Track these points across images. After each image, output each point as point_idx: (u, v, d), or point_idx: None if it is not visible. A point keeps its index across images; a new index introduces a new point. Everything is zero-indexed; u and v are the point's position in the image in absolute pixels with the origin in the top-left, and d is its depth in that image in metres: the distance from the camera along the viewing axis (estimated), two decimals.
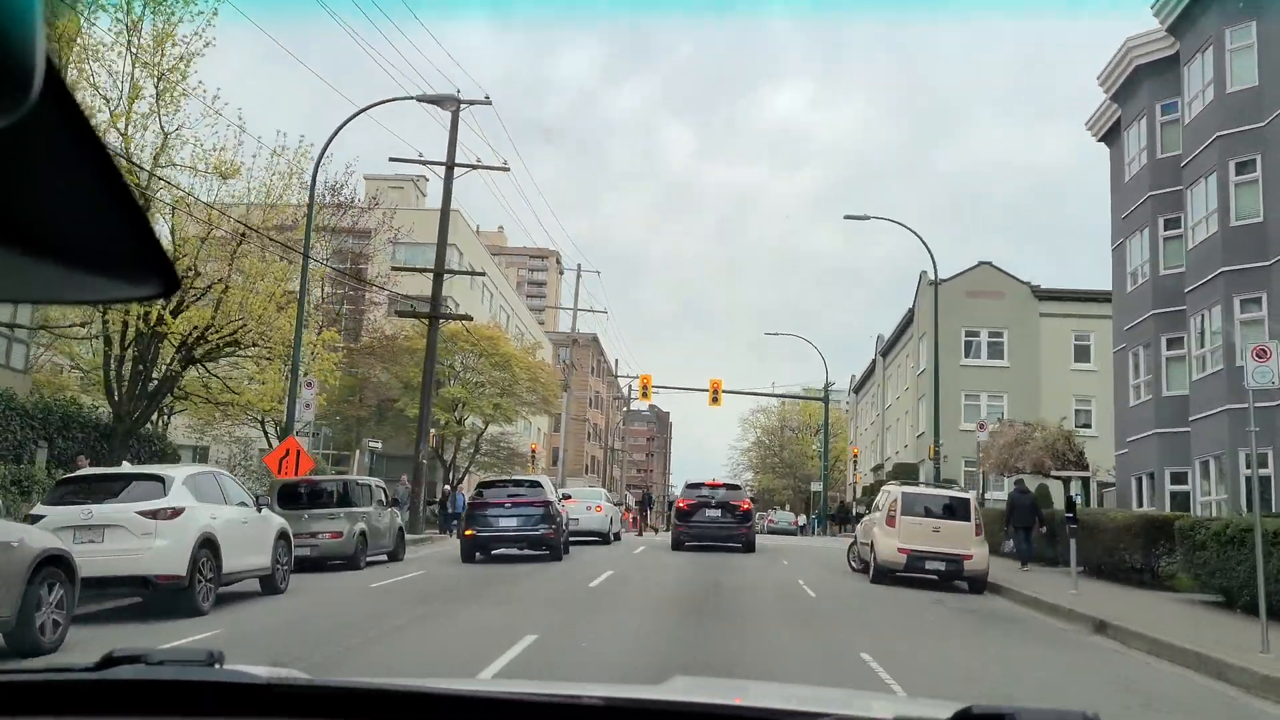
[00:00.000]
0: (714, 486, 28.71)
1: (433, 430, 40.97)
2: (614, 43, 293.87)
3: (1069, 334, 55.09)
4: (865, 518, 22.96)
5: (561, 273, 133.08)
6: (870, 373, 73.03)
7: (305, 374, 26.04)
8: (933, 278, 40.74)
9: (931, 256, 38.02)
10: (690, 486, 28.82)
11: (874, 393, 72.21)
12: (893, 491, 21.30)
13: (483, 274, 35.03)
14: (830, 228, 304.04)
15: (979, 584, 19.74)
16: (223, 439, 38.53)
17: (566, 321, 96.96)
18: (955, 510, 20.46)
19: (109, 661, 1.93)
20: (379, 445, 39.82)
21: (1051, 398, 53.53)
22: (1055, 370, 54.32)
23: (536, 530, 23.17)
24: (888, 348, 66.98)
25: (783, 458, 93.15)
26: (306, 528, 21.05)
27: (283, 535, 17.61)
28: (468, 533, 23.34)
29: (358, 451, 42.17)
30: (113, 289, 1.06)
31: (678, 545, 28.27)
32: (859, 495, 58.61)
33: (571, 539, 28.35)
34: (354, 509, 22.20)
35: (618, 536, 32.96)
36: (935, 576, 20.07)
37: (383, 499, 24.05)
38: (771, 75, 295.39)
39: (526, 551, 23.85)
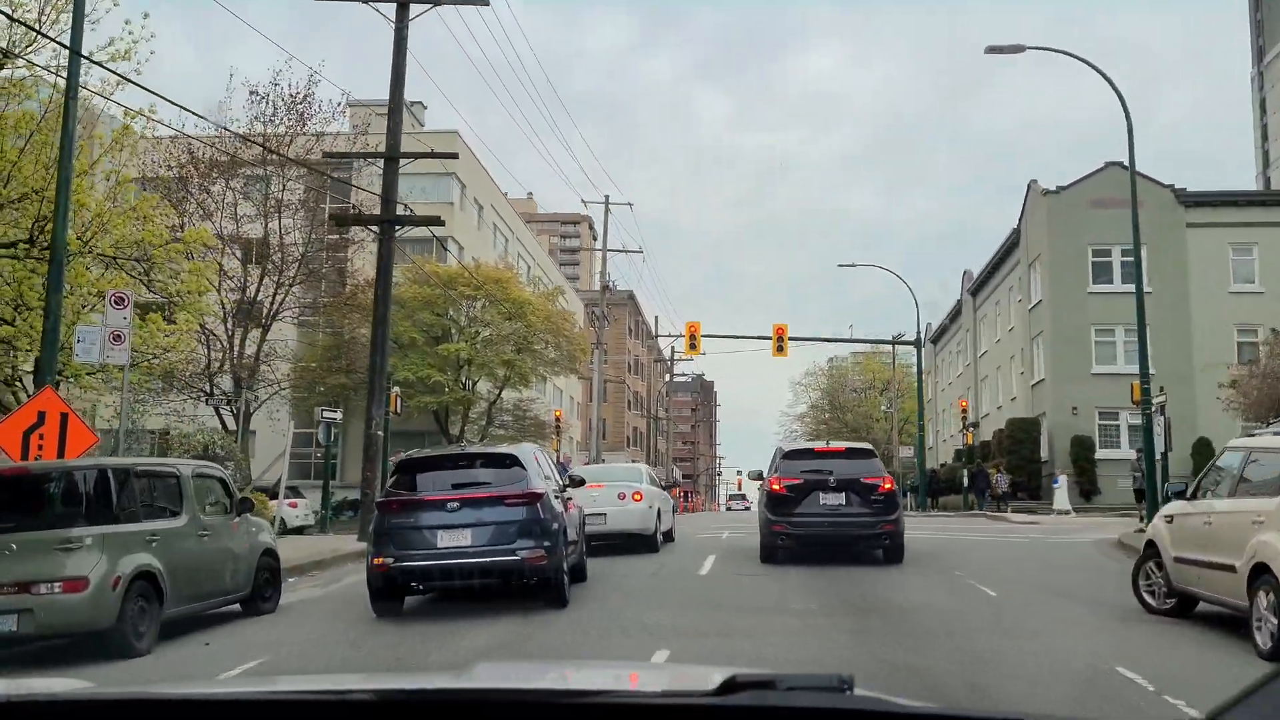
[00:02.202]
0: (830, 454, 16.58)
1: (394, 390, 29.08)
2: (644, 9, 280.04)
3: (1225, 248, 42.36)
4: (1189, 506, 10.71)
5: (594, 242, 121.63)
6: (954, 317, 60.32)
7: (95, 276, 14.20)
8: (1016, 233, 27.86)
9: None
10: (791, 456, 16.65)
11: (960, 340, 59.57)
12: None
13: (454, 155, 23.05)
14: (864, 189, 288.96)
15: None
16: None
17: (599, 282, 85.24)
18: None
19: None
20: (337, 416, 28.05)
21: (1206, 328, 40.94)
22: (1209, 294, 41.60)
23: (509, 552, 11.40)
24: (979, 284, 54.32)
25: (845, 421, 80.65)
26: None
27: None
28: (377, 562, 11.46)
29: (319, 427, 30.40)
30: None
31: (771, 555, 16.30)
32: (966, 459, 46.04)
33: (595, 542, 16.60)
34: (123, 527, 10.34)
35: (669, 536, 20.91)
36: None
37: (223, 500, 12.19)
38: (804, 36, 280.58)
39: (489, 584, 11.96)
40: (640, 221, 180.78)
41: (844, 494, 15.90)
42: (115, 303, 14.20)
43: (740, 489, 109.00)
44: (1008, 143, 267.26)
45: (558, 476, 13.85)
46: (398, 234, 23.11)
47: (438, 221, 22.77)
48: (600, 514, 17.66)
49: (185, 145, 35.65)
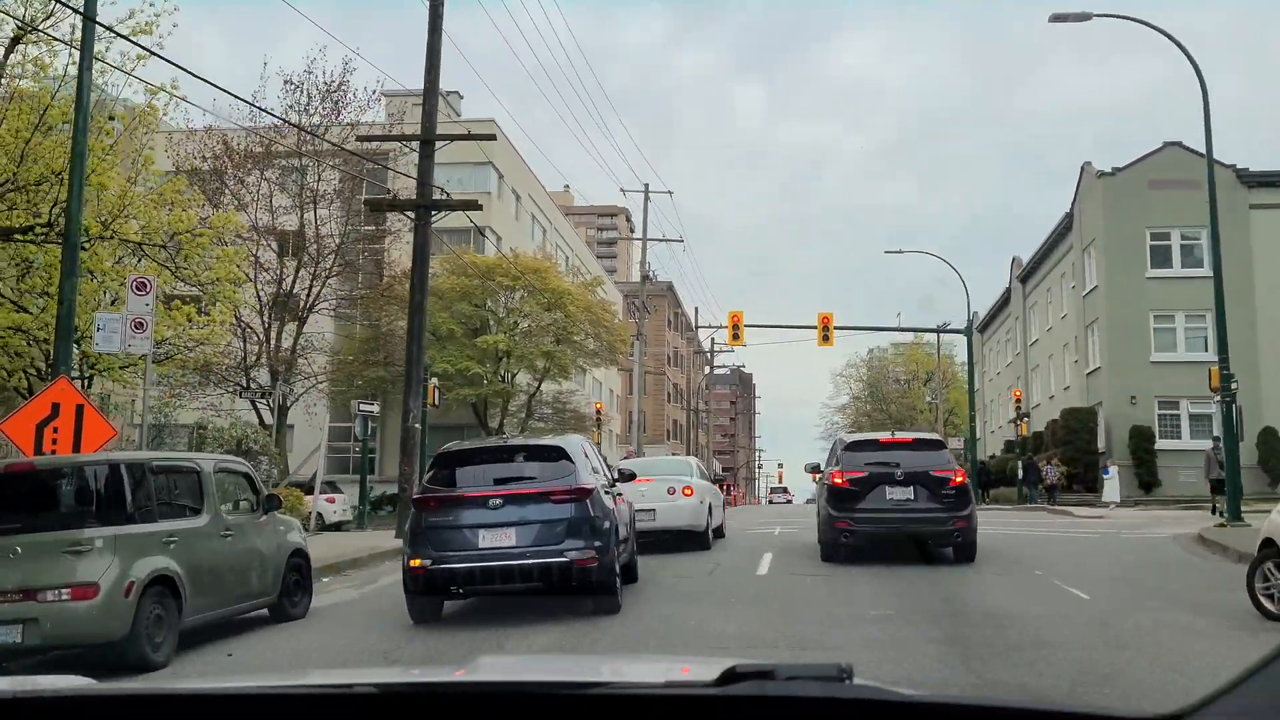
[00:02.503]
0: (896, 445, 15.38)
1: (432, 381, 28.20)
2: (679, 2, 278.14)
3: None
4: None
5: (630, 233, 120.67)
6: (1002, 305, 58.67)
7: (123, 262, 13.32)
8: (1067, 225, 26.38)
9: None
10: (854, 447, 15.42)
11: (1009, 328, 57.93)
12: None
13: (492, 137, 21.80)
14: (902, 180, 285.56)
15: None
16: None
17: (637, 273, 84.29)
18: None
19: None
20: (374, 408, 27.20)
21: (1271, 314, 39.23)
22: (1274, 277, 39.84)
23: (557, 553, 10.41)
24: (1029, 271, 52.68)
25: (889, 413, 79.08)
26: None
27: None
28: (414, 563, 10.48)
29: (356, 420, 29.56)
30: None
31: (833, 553, 15.16)
32: (1021, 450, 44.51)
33: (643, 539, 15.54)
34: (137, 527, 9.44)
35: (720, 532, 19.81)
36: None
37: (249, 497, 11.28)
38: (841, 26, 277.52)
39: (535, 588, 10.95)
40: (678, 214, 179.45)
41: (912, 488, 14.74)
42: (137, 288, 13.33)
43: (781, 482, 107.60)
44: (1048, 131, 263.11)
45: (606, 470, 12.83)
46: (434, 220, 22.19)
47: (475, 206, 21.79)
48: (649, 510, 16.62)
49: (220, 137, 35.08)
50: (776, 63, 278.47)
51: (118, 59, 14.48)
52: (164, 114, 15.50)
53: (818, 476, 17.45)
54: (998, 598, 11.73)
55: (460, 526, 10.51)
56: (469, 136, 23.12)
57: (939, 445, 15.57)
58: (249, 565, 10.88)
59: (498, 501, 10.50)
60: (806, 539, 19.52)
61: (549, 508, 10.55)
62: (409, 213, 22.36)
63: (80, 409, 11.51)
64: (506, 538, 10.44)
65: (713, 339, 75.31)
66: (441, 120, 45.99)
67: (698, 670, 1.91)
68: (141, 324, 13.25)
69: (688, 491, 17.68)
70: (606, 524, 10.94)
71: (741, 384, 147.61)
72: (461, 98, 52.75)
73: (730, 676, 1.63)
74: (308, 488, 24.93)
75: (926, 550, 15.35)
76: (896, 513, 14.69)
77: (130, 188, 15.97)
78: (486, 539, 10.43)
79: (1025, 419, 46.63)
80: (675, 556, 16.50)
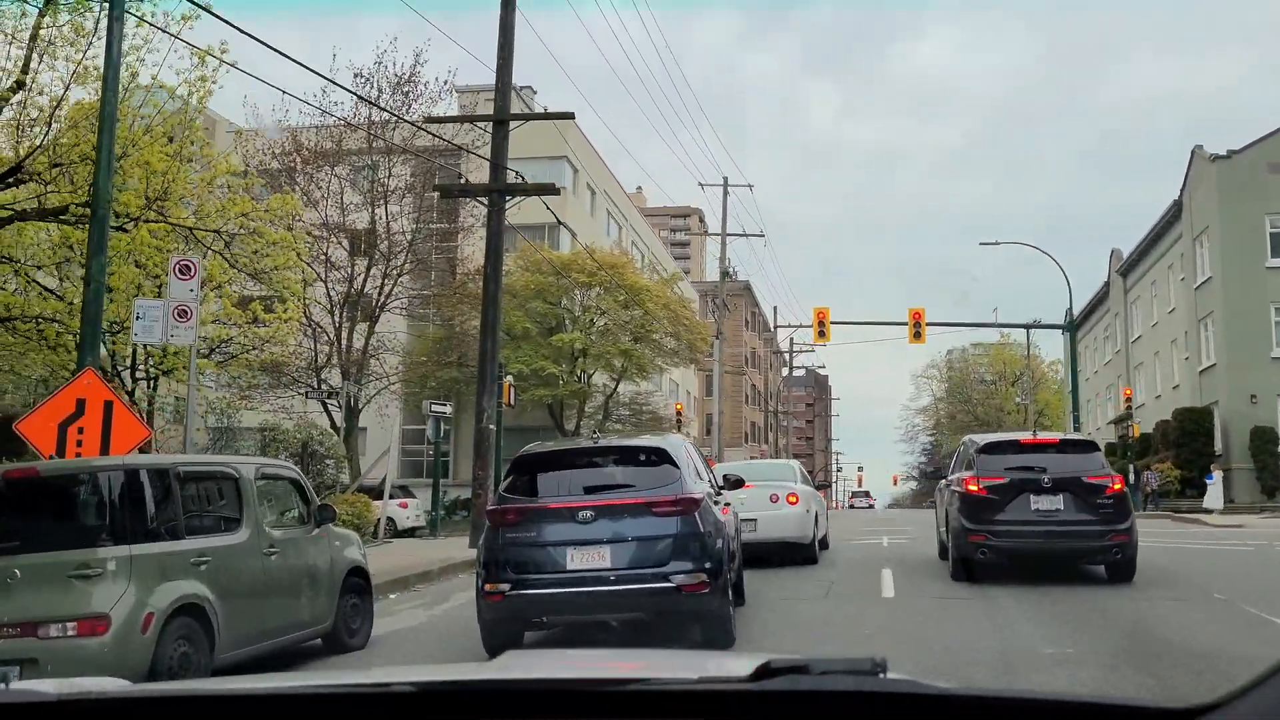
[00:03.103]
0: (1040, 447, 13.23)
1: (508, 379, 26.55)
2: (750, 2, 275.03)
3: None
4: None
5: (705, 232, 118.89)
6: (1099, 300, 55.50)
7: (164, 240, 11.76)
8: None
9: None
10: (991, 450, 13.25)
11: (1107, 325, 54.79)
12: None
13: (570, 115, 20.08)
14: (979, 177, 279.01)
15: None
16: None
17: (712, 273, 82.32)
18: None
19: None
20: (446, 409, 25.66)
21: None
22: None
23: (661, 577, 8.59)
24: (1130, 264, 49.61)
25: (975, 414, 75.99)
26: None
27: None
28: (489, 589, 8.70)
29: (431, 422, 28.05)
30: None
31: (965, 571, 13.07)
32: (1135, 454, 41.49)
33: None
34: (160, 545, 7.81)
35: (824, 544, 17.79)
36: None
37: (298, 507, 9.63)
38: (914, 23, 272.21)
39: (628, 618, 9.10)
40: (757, 208, 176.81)
41: (1061, 496, 12.61)
42: (180, 272, 11.81)
43: (861, 485, 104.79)
44: (1131, 124, 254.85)
45: (710, 475, 10.95)
46: (509, 205, 20.58)
47: (552, 190, 20.14)
48: (750, 519, 14.67)
49: (290, 134, 34.04)
50: (848, 62, 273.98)
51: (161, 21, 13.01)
52: (213, 82, 14.03)
53: (943, 483, 15.39)
54: (1191, 630, 9.61)
55: (544, 544, 8.72)
56: (546, 115, 21.59)
57: (1091, 447, 13.39)
58: (297, 588, 9.22)
59: (589, 514, 8.69)
60: (922, 551, 17.47)
61: (651, 522, 8.71)
62: (481, 201, 20.78)
63: (109, 406, 9.99)
64: (600, 558, 8.62)
65: (791, 339, 73.09)
66: (514, 115, 44.62)
67: (731, 666, 1.94)
68: (185, 312, 11.73)
69: (792, 499, 15.73)
70: (718, 541, 9.08)
71: (817, 386, 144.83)
72: (535, 93, 51.32)
73: (764, 672, 1.59)
74: (377, 493, 23.46)
75: (1071, 566, 13.23)
76: (1043, 525, 12.58)
77: (179, 166, 14.48)
78: (576, 559, 8.63)
79: (1130, 420, 43.69)
80: (780, 572, 14.56)
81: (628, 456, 9.53)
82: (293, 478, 9.69)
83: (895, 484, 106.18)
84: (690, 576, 8.58)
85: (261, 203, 16.43)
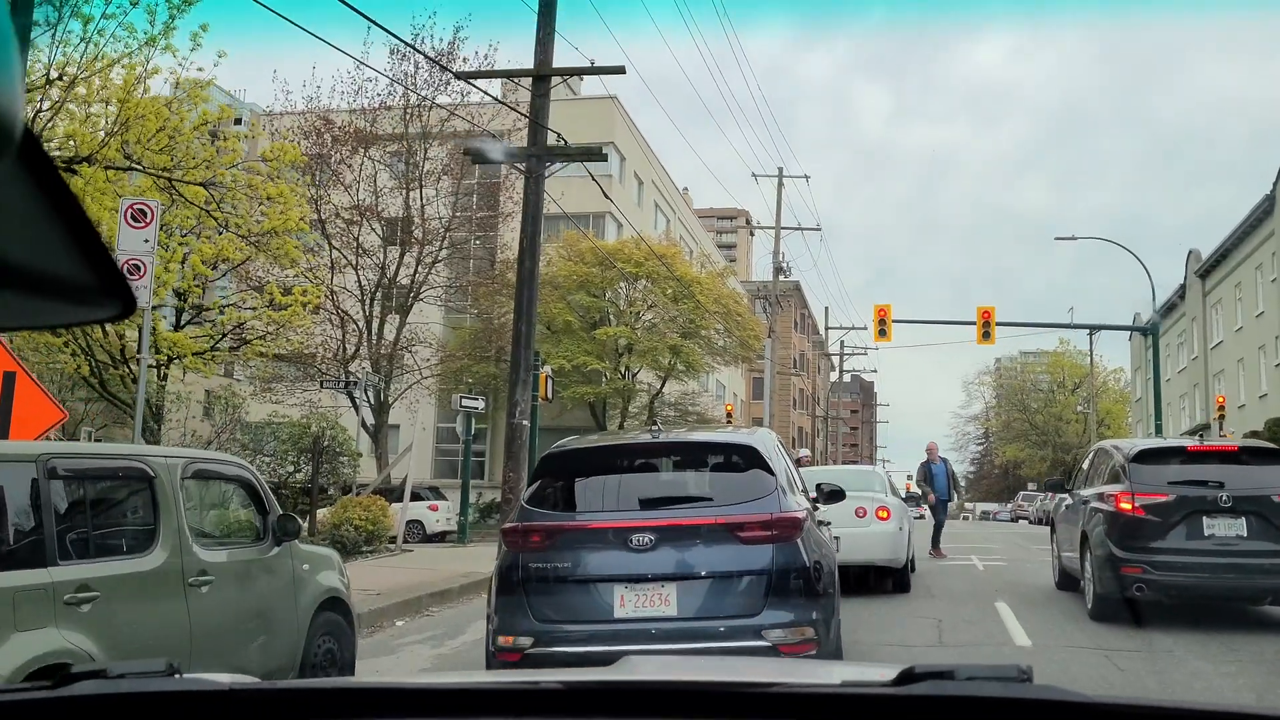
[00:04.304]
0: (1213, 455, 10.33)
1: (545, 369, 23.96)
2: (803, 7, 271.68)
3: None
4: None
5: (752, 234, 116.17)
6: (1174, 305, 51.93)
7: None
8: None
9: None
10: (1148, 458, 10.26)
11: (1182, 330, 51.23)
12: None
13: (620, 70, 17.45)
14: (1033, 184, 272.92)
15: None
16: None
17: (760, 273, 79.46)
18: None
19: (69, 678, 1.76)
20: (478, 404, 23.10)
21: None
22: None
23: (750, 631, 5.88)
24: (1211, 265, 46.13)
25: (1033, 423, 72.40)
26: None
27: None
28: (505, 643, 6.05)
29: (460, 417, 25.49)
30: (74, 313, 1.16)
31: (1111, 610, 10.20)
32: None
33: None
34: (13, 575, 5.18)
35: (912, 566, 14.92)
36: None
37: (248, 519, 7.02)
38: (969, 26, 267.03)
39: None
40: (814, 200, 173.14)
41: (1243, 519, 9.75)
42: (133, 218, 9.30)
43: (909, 493, 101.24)
44: (1190, 133, 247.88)
45: (804, 481, 8.18)
46: (549, 174, 18.00)
47: (598, 155, 17.52)
48: (835, 536, 11.92)
49: (321, 114, 31.84)
50: (901, 66, 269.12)
51: None
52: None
53: (1068, 499, 12.54)
54: None
55: (582, 579, 6.07)
56: (594, 70, 18.79)
57: (1278, 456, 10.48)
58: (242, 632, 6.60)
59: (647, 538, 6.00)
60: (1032, 579, 14.61)
61: (735, 551, 6.02)
62: (519, 167, 18.22)
63: (11, 379, 7.50)
64: (662, 601, 5.95)
65: (842, 341, 70.02)
66: (559, 97, 42.01)
67: (871, 673, 1.88)
68: (139, 267, 9.21)
69: (883, 514, 12.94)
70: (827, 579, 6.39)
71: (863, 392, 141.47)
72: (581, 80, 48.90)
73: (908, 677, 1.56)
74: (397, 495, 20.94)
75: (1233, 608, 10.36)
76: (1221, 557, 9.71)
77: (142, 97, 11.94)
78: (628, 603, 5.96)
79: (1204, 431, 40.33)
80: (869, 605, 11.79)
81: (702, 457, 6.83)
82: (242, 477, 7.05)
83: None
84: (791, 632, 5.89)
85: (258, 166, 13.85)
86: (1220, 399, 38.37)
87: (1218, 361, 45.71)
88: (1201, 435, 15.30)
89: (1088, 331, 60.11)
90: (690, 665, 3.11)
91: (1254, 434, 37.33)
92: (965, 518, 61.38)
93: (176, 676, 1.81)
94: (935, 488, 20.55)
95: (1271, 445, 11.32)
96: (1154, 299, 37.04)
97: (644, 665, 2.68)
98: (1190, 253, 49.23)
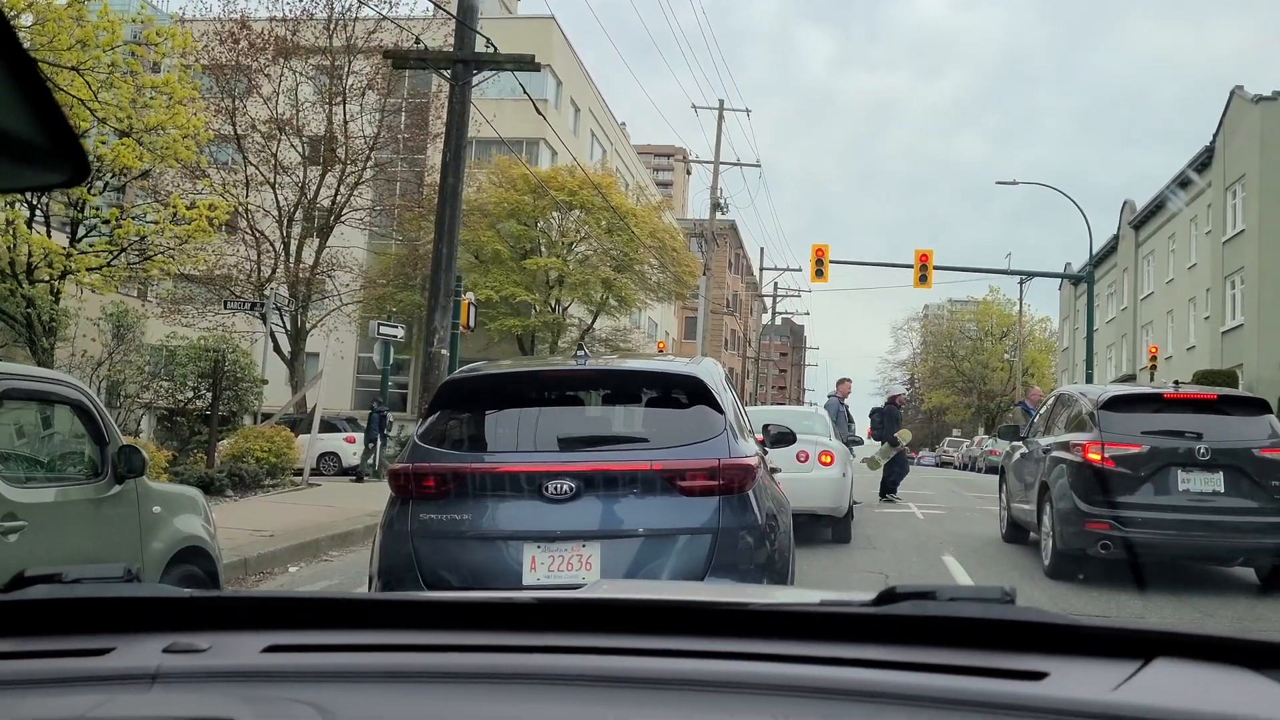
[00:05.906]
0: (1188, 403, 9.50)
1: (468, 295, 22.62)
2: None
3: None
4: None
5: (690, 170, 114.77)
6: (1107, 254, 51.87)
7: None
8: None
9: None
10: (1119, 405, 9.36)
11: (1113, 280, 51.27)
12: None
13: None
14: (972, 136, 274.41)
15: None
16: None
17: (696, 211, 78.07)
18: None
19: (21, 581, 1.71)
20: (396, 332, 21.68)
21: None
22: None
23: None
24: (1145, 215, 46.00)
25: (960, 370, 72.71)
26: None
27: None
28: None
29: (380, 345, 24.06)
30: (24, 176, 1.10)
31: (1070, 568, 9.38)
32: None
33: None
34: None
35: (850, 513, 14.04)
36: None
37: (80, 449, 5.71)
38: None
39: None
40: (745, 152, 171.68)
41: (1221, 473, 8.94)
42: None
43: (871, 438, 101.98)
44: (1125, 92, 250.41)
45: (750, 423, 7.07)
46: (478, 83, 16.55)
47: (530, 64, 16.06)
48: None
49: (238, 20, 29.64)
50: (846, 8, 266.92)
51: None
52: None
53: (1024, 447, 11.69)
54: None
55: (485, 536, 4.92)
56: None
57: (1260, 407, 9.64)
58: None
59: (566, 486, 4.85)
60: (977, 530, 13.86)
61: (674, 504, 4.90)
62: (444, 74, 16.69)
63: None
64: (583, 564, 4.81)
65: (775, 282, 69.38)
66: (492, 15, 39.71)
67: (854, 594, 1.76)
68: None
69: (826, 458, 11.97)
70: (780, 539, 5.32)
71: (793, 335, 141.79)
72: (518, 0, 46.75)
73: (889, 596, 1.51)
74: (305, 425, 19.54)
75: (1194, 568, 9.62)
76: (1195, 514, 8.88)
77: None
78: (540, 565, 4.82)
79: (1130, 380, 40.40)
80: (807, 556, 10.79)
81: (636, 391, 5.66)
82: (74, 399, 5.73)
83: (870, 437, 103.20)
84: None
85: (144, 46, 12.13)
86: (1153, 349, 38.35)
87: (1147, 313, 45.79)
88: (1175, 384, 15.02)
89: (1019, 280, 60.24)
90: (666, 589, 3.08)
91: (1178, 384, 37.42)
92: None
93: (134, 583, 1.81)
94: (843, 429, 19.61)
95: (1252, 395, 10.50)
96: (1090, 244, 36.63)
97: (618, 588, 2.70)
98: (1125, 203, 49.09)
